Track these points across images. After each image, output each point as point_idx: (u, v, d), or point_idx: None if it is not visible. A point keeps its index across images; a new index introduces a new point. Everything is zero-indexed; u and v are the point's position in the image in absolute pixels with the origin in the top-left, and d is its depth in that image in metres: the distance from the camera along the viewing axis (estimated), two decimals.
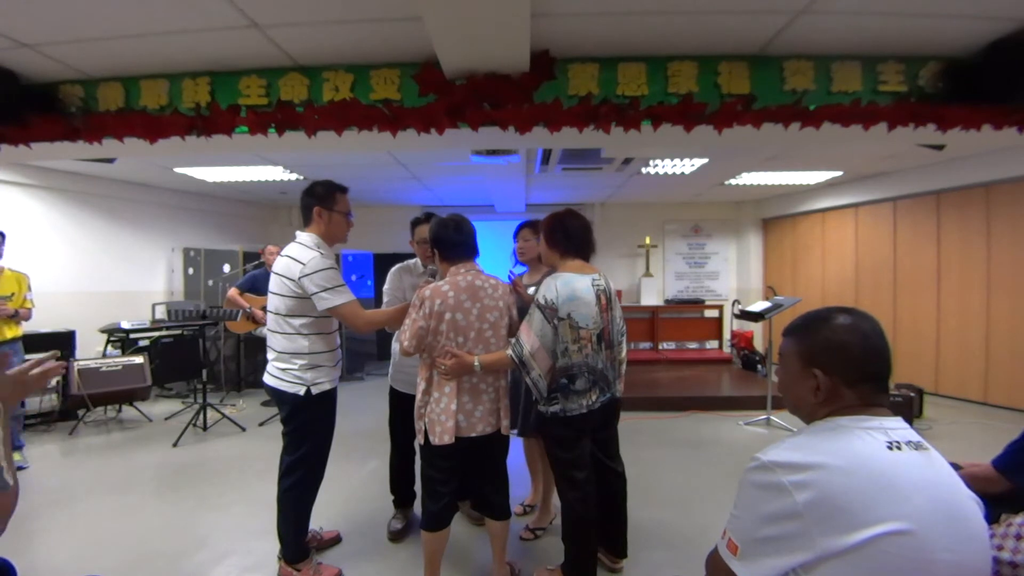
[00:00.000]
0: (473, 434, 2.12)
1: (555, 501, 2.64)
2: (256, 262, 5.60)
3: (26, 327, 4.24)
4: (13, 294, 3.83)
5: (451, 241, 2.20)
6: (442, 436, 2.09)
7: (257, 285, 5.16)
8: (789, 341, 1.12)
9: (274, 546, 2.47)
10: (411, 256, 2.89)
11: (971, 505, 0.94)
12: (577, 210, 2.39)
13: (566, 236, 2.27)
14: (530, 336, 2.08)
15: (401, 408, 2.75)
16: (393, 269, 2.87)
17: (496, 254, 5.59)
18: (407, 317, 2.17)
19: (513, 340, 2.13)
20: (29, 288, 3.95)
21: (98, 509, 3.13)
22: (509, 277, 2.67)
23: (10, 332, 3.82)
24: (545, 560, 2.54)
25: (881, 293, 6.32)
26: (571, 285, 2.12)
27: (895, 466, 0.92)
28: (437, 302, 2.09)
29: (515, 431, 2.68)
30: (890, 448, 0.94)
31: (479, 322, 2.13)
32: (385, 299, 2.81)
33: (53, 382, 4.78)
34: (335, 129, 2.83)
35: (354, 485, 3.45)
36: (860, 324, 1.05)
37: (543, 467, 2.84)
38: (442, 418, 2.10)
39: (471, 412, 2.13)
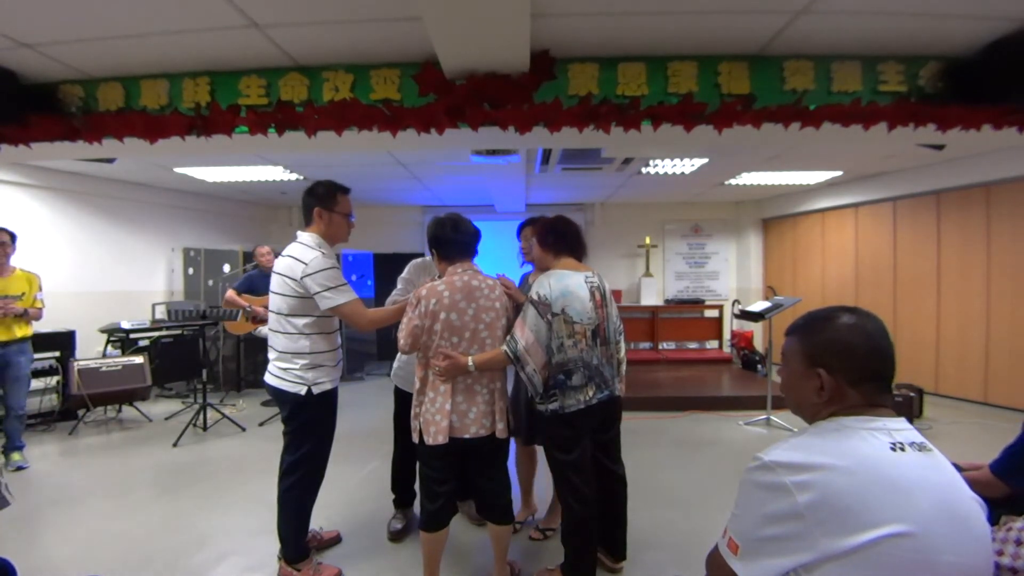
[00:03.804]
0: (467, 435, 2.11)
1: None
2: (252, 263, 5.61)
3: None
4: (23, 293, 3.85)
5: (448, 240, 2.21)
6: (436, 436, 2.08)
7: (254, 285, 5.18)
8: (792, 340, 1.12)
9: (274, 546, 2.47)
10: (412, 256, 2.90)
11: (974, 507, 0.94)
12: (577, 210, 2.42)
13: (557, 237, 2.32)
14: (524, 332, 2.09)
15: (404, 406, 2.74)
16: (416, 262, 2.77)
17: (496, 254, 5.59)
18: (404, 316, 2.18)
19: (508, 337, 2.14)
20: (40, 288, 3.98)
21: (98, 509, 3.13)
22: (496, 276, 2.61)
23: (20, 331, 3.84)
24: (546, 560, 2.54)
25: (881, 293, 6.31)
26: (564, 281, 2.15)
27: (898, 467, 0.91)
28: (432, 301, 2.09)
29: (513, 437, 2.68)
30: (893, 449, 0.94)
31: (474, 322, 2.13)
32: (398, 286, 2.73)
33: (53, 382, 4.79)
34: (335, 129, 2.83)
35: (354, 485, 3.44)
36: (864, 324, 1.04)
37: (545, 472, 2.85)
38: (436, 418, 2.10)
39: (465, 413, 2.12)
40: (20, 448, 3.87)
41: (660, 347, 7.81)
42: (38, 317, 3.95)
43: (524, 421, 2.71)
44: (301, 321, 2.28)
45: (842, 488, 0.89)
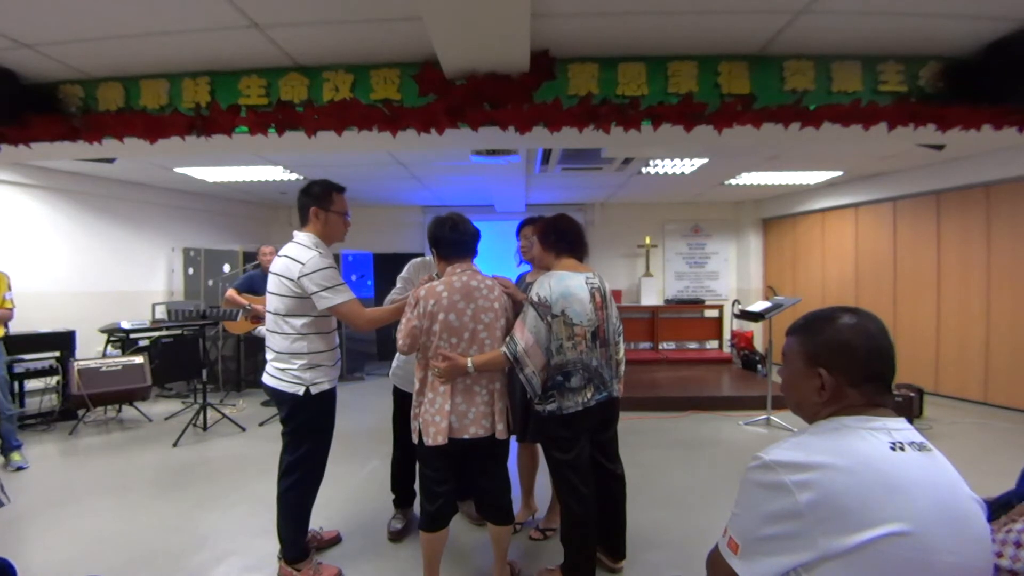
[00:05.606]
0: (466, 436, 2.10)
1: None
2: (253, 263, 5.62)
3: (26, 327, 4.23)
4: None
5: (447, 240, 2.21)
6: (436, 437, 2.08)
7: (254, 286, 5.19)
8: (793, 340, 1.12)
9: (274, 546, 2.46)
10: (412, 256, 2.89)
11: (973, 507, 0.94)
12: (577, 210, 2.43)
13: (559, 236, 2.32)
14: (524, 333, 2.09)
15: (403, 406, 2.74)
16: (415, 262, 2.78)
17: (496, 254, 5.59)
18: (403, 316, 2.18)
19: (508, 338, 2.14)
20: (9, 288, 3.82)
21: (98, 509, 3.12)
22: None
23: None
24: (546, 560, 2.54)
25: (881, 293, 6.31)
26: (564, 282, 2.14)
27: (898, 467, 0.91)
28: (431, 302, 2.09)
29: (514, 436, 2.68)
30: (893, 449, 0.94)
31: (473, 323, 2.12)
32: (397, 285, 2.74)
33: (53, 382, 4.79)
34: (335, 129, 2.83)
35: (354, 485, 3.44)
36: (865, 324, 1.04)
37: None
38: (436, 418, 2.10)
39: (464, 413, 2.12)
40: (18, 447, 3.85)
41: (660, 347, 7.81)
42: (8, 318, 3.81)
43: (518, 417, 2.71)
44: (298, 321, 2.28)
45: (842, 487, 0.89)
